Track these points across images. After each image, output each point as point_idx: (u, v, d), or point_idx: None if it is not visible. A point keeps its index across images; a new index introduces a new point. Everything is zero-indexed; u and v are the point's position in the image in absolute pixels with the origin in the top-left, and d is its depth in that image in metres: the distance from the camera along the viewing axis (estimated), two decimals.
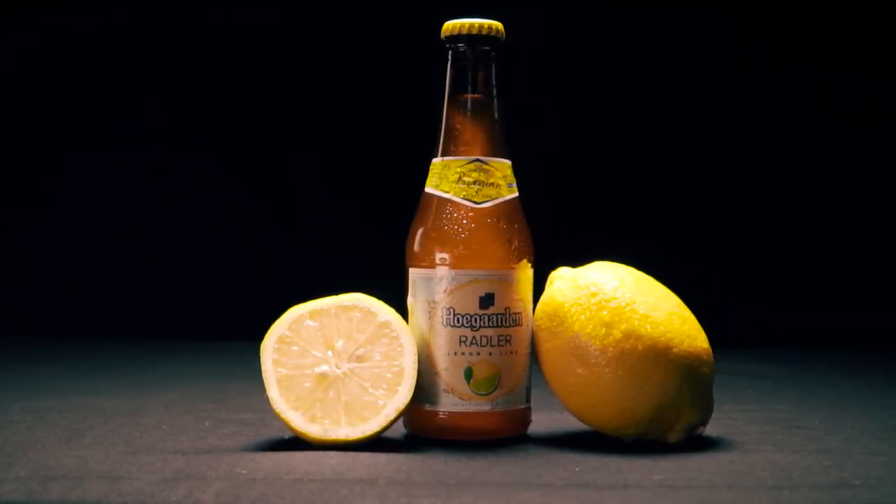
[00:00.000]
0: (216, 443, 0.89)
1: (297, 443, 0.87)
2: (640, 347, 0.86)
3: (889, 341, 1.75)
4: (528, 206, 0.95)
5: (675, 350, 0.86)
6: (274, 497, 0.70)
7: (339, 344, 0.88)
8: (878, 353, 1.69)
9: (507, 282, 0.91)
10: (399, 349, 0.88)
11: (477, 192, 0.91)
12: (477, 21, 0.91)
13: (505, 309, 0.90)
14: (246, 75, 1.87)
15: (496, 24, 0.92)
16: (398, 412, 0.87)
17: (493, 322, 0.90)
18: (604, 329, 0.86)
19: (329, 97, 1.86)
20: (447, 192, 0.91)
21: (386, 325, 0.89)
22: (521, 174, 0.95)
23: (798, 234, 1.85)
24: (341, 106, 1.86)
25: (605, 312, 0.87)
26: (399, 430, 0.94)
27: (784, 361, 1.58)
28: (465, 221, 0.90)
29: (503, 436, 0.91)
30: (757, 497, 0.71)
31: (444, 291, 0.90)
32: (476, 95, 0.93)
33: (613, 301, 0.88)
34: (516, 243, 0.92)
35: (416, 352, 0.89)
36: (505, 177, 0.93)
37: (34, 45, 1.87)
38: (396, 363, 0.88)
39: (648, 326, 0.86)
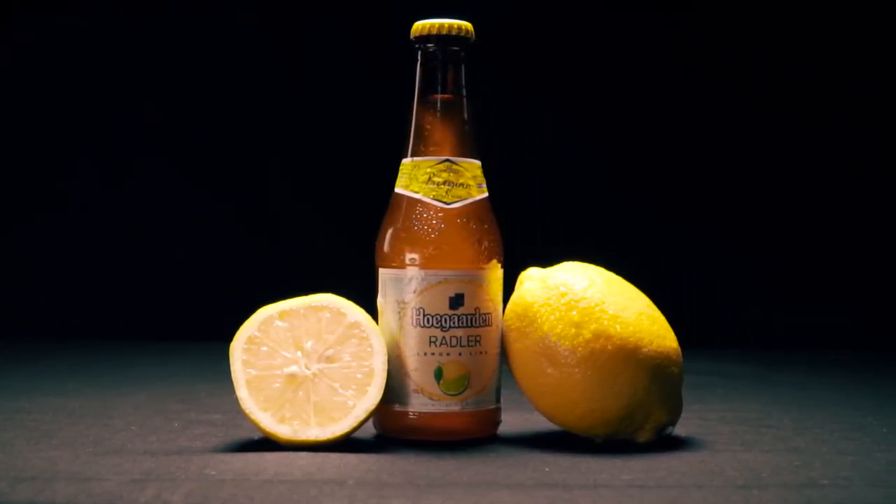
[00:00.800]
0: (186, 444, 0.89)
1: (267, 443, 0.87)
2: (609, 347, 0.86)
3: (857, 341, 1.77)
4: (498, 206, 0.95)
5: (644, 350, 0.86)
6: (243, 498, 0.70)
7: (309, 344, 0.88)
8: (847, 353, 1.70)
9: (477, 282, 0.91)
10: (369, 350, 0.88)
11: (447, 192, 0.91)
12: (446, 21, 0.91)
13: (475, 309, 0.90)
14: (216, 76, 1.86)
15: (465, 25, 0.92)
16: (368, 413, 0.86)
17: (463, 322, 0.90)
18: (573, 329, 0.87)
19: (300, 98, 1.86)
20: (417, 192, 0.91)
21: (356, 325, 0.89)
22: (491, 175, 0.95)
23: (769, 235, 1.86)
24: (312, 107, 1.85)
25: (574, 312, 0.87)
26: (369, 431, 0.94)
27: (754, 361, 1.59)
28: (434, 222, 0.90)
29: (473, 436, 0.91)
30: (726, 496, 0.72)
31: (414, 292, 0.90)
32: (445, 96, 0.93)
33: (583, 301, 0.88)
34: (486, 243, 0.92)
35: (385, 352, 0.89)
36: (475, 177, 0.93)
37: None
38: (366, 363, 0.88)
39: (618, 326, 0.86)
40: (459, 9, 0.99)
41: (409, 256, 0.90)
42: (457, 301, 0.90)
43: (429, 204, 0.91)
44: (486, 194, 0.94)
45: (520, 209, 1.76)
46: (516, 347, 0.90)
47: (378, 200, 0.97)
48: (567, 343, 0.86)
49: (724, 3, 1.84)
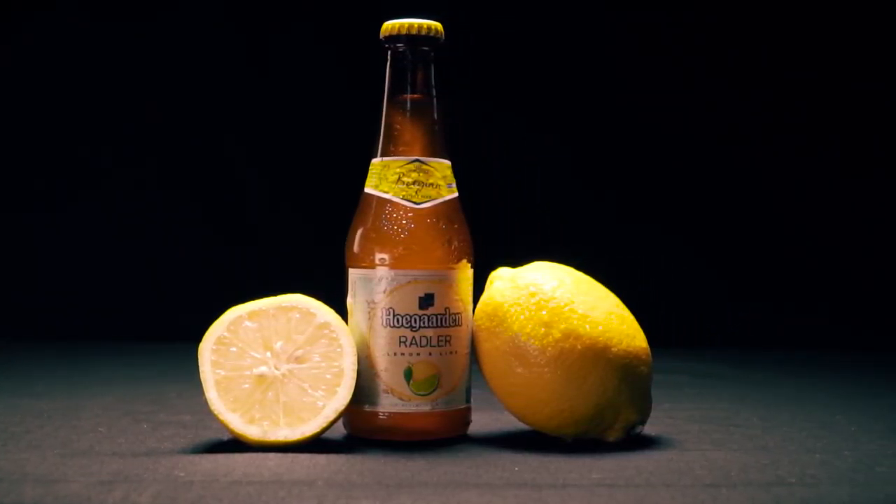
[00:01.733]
0: (154, 445, 0.89)
1: (236, 444, 0.87)
2: (579, 347, 0.86)
3: (825, 340, 1.77)
4: (468, 206, 0.95)
5: (613, 349, 0.87)
6: (211, 499, 0.70)
7: (278, 345, 0.88)
8: (814, 352, 1.71)
9: (446, 282, 0.91)
10: (338, 350, 0.88)
11: (416, 192, 0.91)
12: (416, 21, 0.91)
13: (445, 309, 0.90)
14: (186, 75, 1.85)
15: (435, 25, 0.92)
16: (337, 413, 0.86)
17: (432, 322, 0.90)
18: (543, 329, 0.87)
19: (270, 98, 1.86)
20: (387, 192, 0.91)
21: (325, 325, 0.89)
22: (461, 174, 0.95)
23: (737, 235, 1.87)
24: (282, 107, 1.85)
25: (544, 312, 0.87)
26: (339, 431, 0.93)
27: (723, 360, 1.59)
28: (404, 222, 0.90)
29: (443, 436, 0.91)
30: (694, 495, 0.72)
31: (384, 292, 0.90)
32: (415, 96, 0.93)
33: (553, 301, 0.88)
34: (456, 243, 0.92)
35: (355, 352, 0.88)
36: (444, 177, 0.93)
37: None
38: (336, 364, 0.88)
39: (587, 326, 0.87)
40: (430, 9, 0.99)
41: (378, 256, 0.90)
42: (426, 301, 0.90)
43: (398, 204, 0.91)
44: (456, 194, 0.94)
45: (490, 209, 1.76)
46: (486, 347, 0.91)
47: (348, 200, 0.97)
48: (536, 343, 0.87)
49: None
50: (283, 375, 0.87)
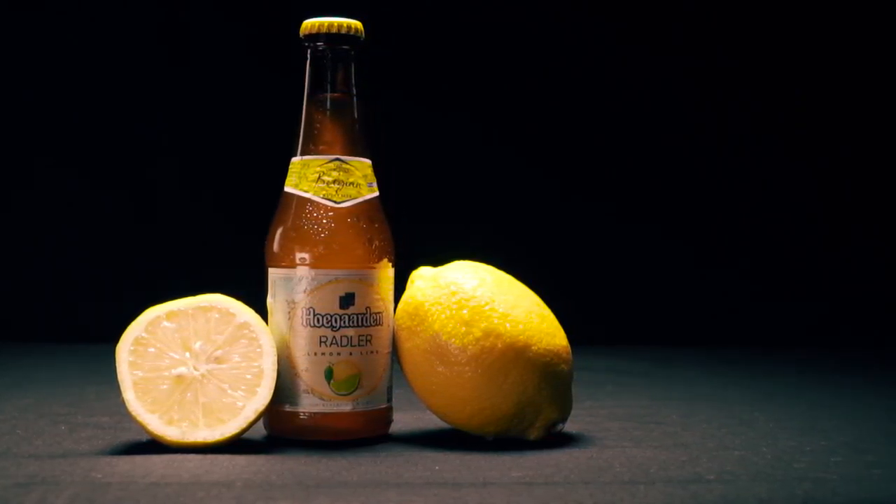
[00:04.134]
0: (71, 447, 0.88)
1: (155, 446, 0.86)
2: (499, 346, 0.86)
3: (745, 338, 1.80)
4: (388, 205, 0.95)
5: (533, 348, 0.87)
6: (129, 501, 0.69)
7: (197, 345, 0.87)
8: (734, 349, 1.73)
9: (367, 281, 0.90)
10: (258, 350, 0.88)
11: (337, 191, 0.90)
12: (336, 20, 0.91)
13: (366, 308, 0.90)
14: (107, 72, 1.83)
15: (355, 24, 0.92)
16: (257, 413, 0.86)
17: (353, 322, 0.90)
18: (463, 328, 0.87)
19: (190, 96, 1.84)
20: (307, 191, 0.91)
21: (245, 325, 0.88)
22: (382, 173, 0.95)
23: (666, 232, 1.89)
24: (201, 104, 1.83)
25: (465, 311, 0.87)
26: (259, 432, 0.93)
27: (643, 358, 1.61)
28: (325, 221, 0.90)
29: (365, 436, 0.91)
30: (613, 492, 0.72)
31: (304, 291, 0.89)
32: (335, 94, 0.92)
33: (473, 300, 0.88)
34: (377, 242, 0.92)
35: (275, 352, 0.88)
36: (365, 176, 0.92)
37: None
38: (256, 364, 0.87)
39: (508, 325, 0.87)
40: (351, 7, 0.99)
41: (298, 256, 0.90)
42: (347, 300, 0.89)
43: (319, 203, 0.90)
44: (376, 193, 0.93)
45: (411, 208, 1.76)
46: (407, 346, 0.91)
47: (268, 199, 0.96)
48: (457, 342, 0.87)
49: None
50: (203, 376, 0.86)
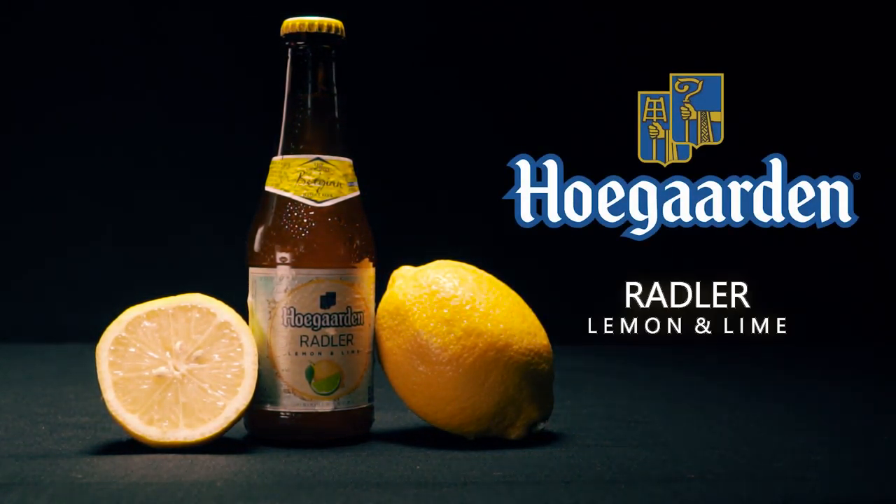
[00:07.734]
0: (51, 447, 0.87)
1: (135, 446, 0.86)
2: (480, 345, 0.86)
3: (725, 336, 1.80)
4: (369, 204, 0.94)
5: (514, 347, 0.87)
6: (109, 501, 0.69)
7: (178, 345, 0.87)
8: (714, 347, 1.73)
9: (348, 281, 0.90)
10: (239, 350, 0.87)
11: (317, 190, 0.90)
12: (317, 19, 0.91)
13: (346, 308, 0.90)
14: (87, 69, 1.83)
15: (336, 23, 0.92)
16: (238, 413, 0.86)
17: (334, 321, 0.89)
18: (444, 327, 0.87)
19: (170, 95, 1.83)
20: (287, 190, 0.90)
21: (225, 325, 0.88)
22: (363, 173, 0.95)
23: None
24: (182, 103, 1.83)
25: (445, 310, 0.88)
26: (240, 432, 0.93)
27: (625, 357, 1.61)
28: (305, 220, 0.90)
29: (346, 435, 0.91)
30: (593, 491, 0.73)
31: (285, 291, 0.89)
32: (316, 94, 0.92)
33: (454, 299, 0.88)
34: (358, 242, 0.92)
35: (256, 352, 0.88)
36: (346, 175, 0.92)
37: None
38: (236, 364, 0.87)
39: (489, 324, 0.87)
40: (332, 6, 0.99)
41: (279, 255, 0.90)
42: (328, 300, 0.89)
43: (299, 202, 0.90)
44: (357, 193, 0.93)
45: (392, 208, 1.76)
46: (388, 346, 0.90)
47: (248, 199, 0.96)
48: (438, 341, 0.87)
49: None
50: (183, 376, 0.86)
